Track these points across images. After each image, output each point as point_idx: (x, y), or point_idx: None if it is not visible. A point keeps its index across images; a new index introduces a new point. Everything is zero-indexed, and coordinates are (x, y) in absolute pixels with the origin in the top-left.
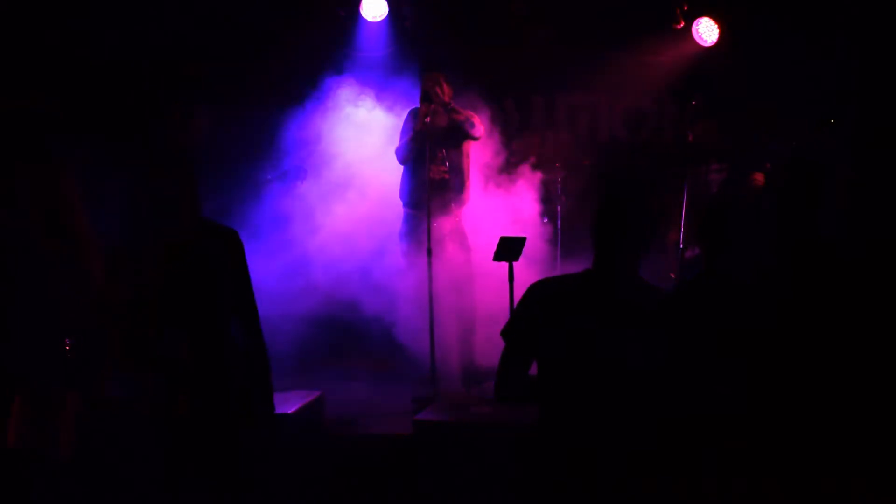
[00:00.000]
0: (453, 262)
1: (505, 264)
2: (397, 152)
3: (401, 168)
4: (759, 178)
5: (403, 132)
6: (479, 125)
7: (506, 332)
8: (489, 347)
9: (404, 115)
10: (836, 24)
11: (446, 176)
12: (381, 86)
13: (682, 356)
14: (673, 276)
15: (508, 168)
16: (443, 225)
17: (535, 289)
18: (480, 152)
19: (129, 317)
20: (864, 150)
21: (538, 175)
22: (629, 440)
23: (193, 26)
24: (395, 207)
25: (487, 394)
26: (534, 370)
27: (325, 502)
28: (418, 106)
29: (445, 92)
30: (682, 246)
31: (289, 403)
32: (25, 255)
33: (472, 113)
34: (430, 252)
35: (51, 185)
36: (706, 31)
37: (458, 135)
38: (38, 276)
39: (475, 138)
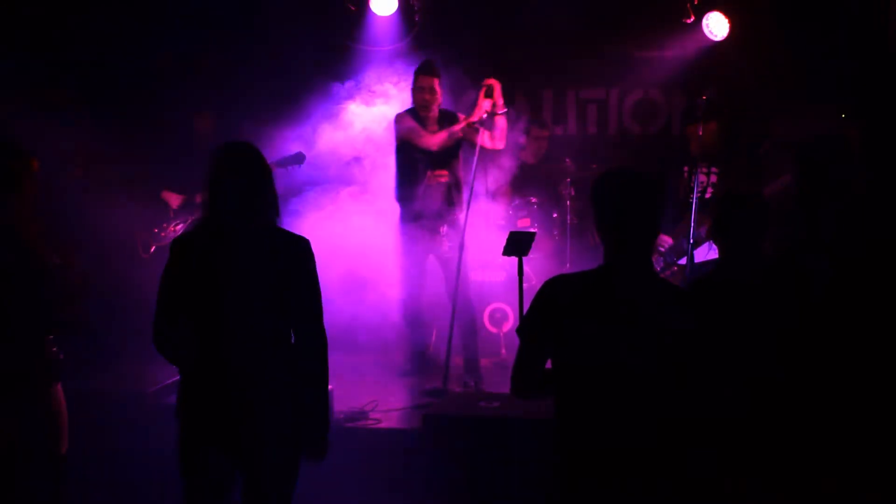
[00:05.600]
0: (449, 261)
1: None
2: (434, 144)
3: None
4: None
5: (415, 129)
6: (503, 139)
7: (520, 330)
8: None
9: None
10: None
11: (446, 177)
12: (391, 81)
13: (683, 357)
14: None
15: (518, 161)
16: (439, 225)
17: (547, 287)
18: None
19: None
20: (864, 150)
21: (547, 168)
22: (630, 440)
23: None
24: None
25: (491, 388)
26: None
27: (336, 496)
28: (409, 108)
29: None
30: (691, 241)
31: None
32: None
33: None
34: (434, 242)
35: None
36: (716, 25)
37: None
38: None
39: (495, 149)
